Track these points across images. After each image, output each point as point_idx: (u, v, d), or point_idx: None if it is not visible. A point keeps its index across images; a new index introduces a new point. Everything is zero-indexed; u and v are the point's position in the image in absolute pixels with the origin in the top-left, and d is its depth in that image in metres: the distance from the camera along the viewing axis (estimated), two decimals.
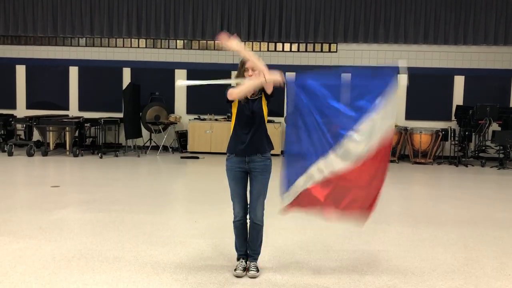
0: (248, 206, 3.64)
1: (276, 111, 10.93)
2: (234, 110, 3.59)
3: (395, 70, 3.43)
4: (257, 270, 3.63)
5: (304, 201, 3.63)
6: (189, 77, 11.82)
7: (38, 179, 7.74)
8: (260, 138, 3.57)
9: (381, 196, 3.63)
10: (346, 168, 3.50)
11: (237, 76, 3.59)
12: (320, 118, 3.53)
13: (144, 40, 11.93)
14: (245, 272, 3.62)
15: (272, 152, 3.68)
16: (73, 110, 12.02)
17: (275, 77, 3.39)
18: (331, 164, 3.52)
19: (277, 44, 11.81)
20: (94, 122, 10.87)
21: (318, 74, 3.68)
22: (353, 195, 3.59)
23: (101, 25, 11.84)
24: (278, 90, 3.57)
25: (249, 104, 3.54)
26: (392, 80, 3.47)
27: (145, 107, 11.35)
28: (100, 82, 11.96)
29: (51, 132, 10.55)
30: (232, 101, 3.54)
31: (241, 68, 3.56)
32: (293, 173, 3.61)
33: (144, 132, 11.56)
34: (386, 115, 3.49)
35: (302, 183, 3.58)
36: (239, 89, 3.42)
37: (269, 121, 3.67)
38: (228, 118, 10.91)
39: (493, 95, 11.26)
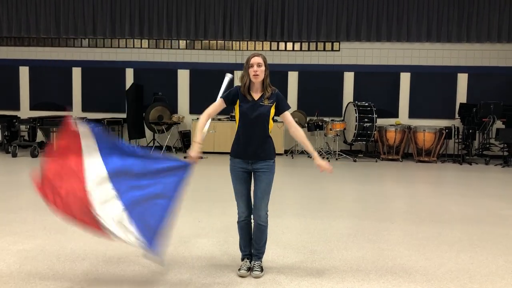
0: (252, 206, 3.63)
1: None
2: (237, 112, 3.58)
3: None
4: (261, 270, 3.62)
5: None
6: (191, 76, 11.85)
7: None
8: (263, 145, 3.54)
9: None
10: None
11: (243, 74, 3.57)
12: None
13: (146, 41, 11.95)
14: (249, 272, 3.61)
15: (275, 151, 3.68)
16: (77, 110, 12.05)
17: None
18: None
19: (280, 43, 11.80)
20: (97, 122, 10.90)
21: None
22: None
23: (104, 26, 11.86)
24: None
25: (255, 109, 3.51)
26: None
27: (148, 107, 11.37)
28: (103, 83, 11.99)
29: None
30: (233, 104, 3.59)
31: (246, 65, 3.55)
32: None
33: (148, 132, 11.57)
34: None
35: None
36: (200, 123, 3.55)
37: (273, 120, 3.65)
38: (232, 118, 10.91)
39: (497, 92, 11.23)
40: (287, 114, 3.62)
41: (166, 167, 3.31)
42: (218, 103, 3.61)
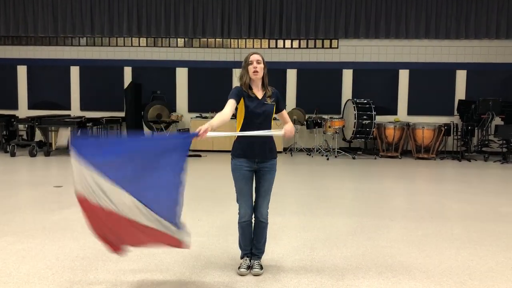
0: (254, 204, 3.62)
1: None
2: (242, 112, 3.50)
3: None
4: (261, 268, 3.62)
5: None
6: (190, 75, 11.82)
7: (41, 179, 7.74)
8: (269, 143, 3.56)
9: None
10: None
11: (242, 73, 3.55)
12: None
13: (145, 39, 11.92)
14: (249, 270, 3.61)
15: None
16: (75, 109, 12.03)
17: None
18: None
19: (278, 41, 11.78)
20: (96, 121, 10.87)
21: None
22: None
23: (102, 24, 11.83)
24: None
25: (261, 107, 3.49)
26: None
27: (146, 106, 11.35)
28: (102, 82, 11.97)
29: (53, 132, 10.55)
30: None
31: (245, 63, 3.54)
32: None
33: (146, 130, 11.55)
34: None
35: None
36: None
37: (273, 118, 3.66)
38: (231, 117, 10.87)
39: (496, 89, 11.24)
40: (285, 112, 3.74)
41: (166, 148, 3.20)
42: (231, 103, 3.43)
